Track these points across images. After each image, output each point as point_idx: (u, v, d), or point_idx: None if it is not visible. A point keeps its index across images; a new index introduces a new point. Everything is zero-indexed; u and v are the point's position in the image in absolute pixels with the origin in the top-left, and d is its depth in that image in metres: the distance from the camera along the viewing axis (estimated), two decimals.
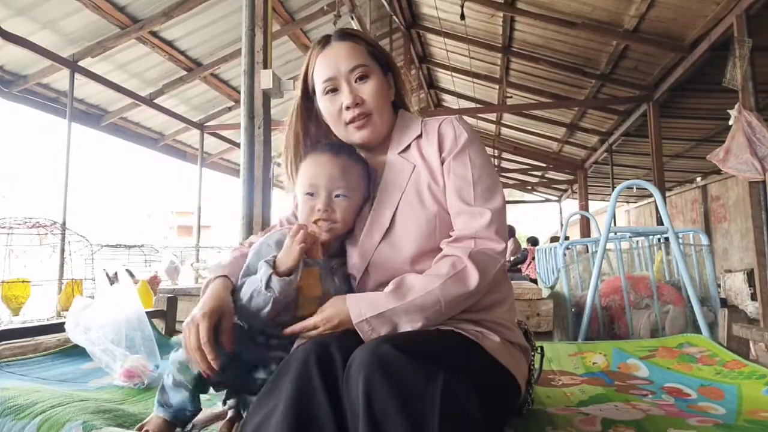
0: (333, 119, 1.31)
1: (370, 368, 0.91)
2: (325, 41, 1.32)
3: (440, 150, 1.25)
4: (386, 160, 1.31)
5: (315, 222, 1.24)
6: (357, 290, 1.24)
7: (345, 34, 1.32)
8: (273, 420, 0.94)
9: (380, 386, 0.89)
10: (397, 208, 1.24)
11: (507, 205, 1.27)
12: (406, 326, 1.10)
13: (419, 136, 1.30)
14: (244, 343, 1.20)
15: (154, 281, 5.68)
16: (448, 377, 0.91)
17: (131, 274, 6.03)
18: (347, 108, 1.26)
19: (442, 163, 1.25)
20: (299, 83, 1.37)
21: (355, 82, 1.27)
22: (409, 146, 1.30)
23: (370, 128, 1.28)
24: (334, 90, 1.28)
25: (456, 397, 0.90)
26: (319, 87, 1.31)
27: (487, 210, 1.18)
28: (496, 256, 1.16)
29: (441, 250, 1.20)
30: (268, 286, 1.14)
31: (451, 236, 1.21)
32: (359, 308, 1.10)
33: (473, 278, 1.12)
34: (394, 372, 0.91)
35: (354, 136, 1.29)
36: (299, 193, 1.28)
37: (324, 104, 1.31)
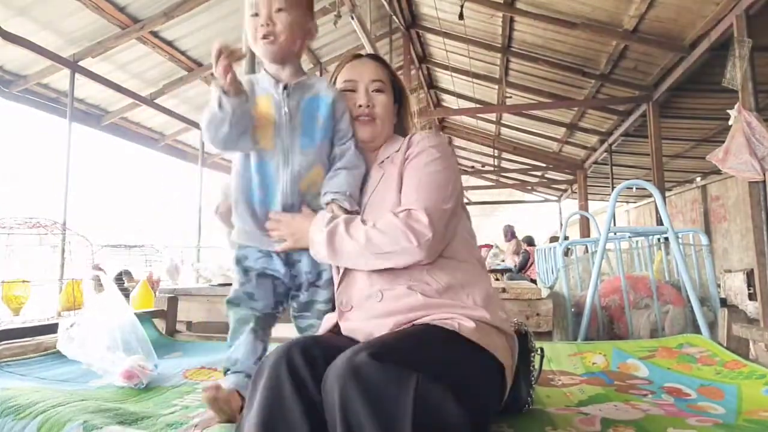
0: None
1: (344, 379, 0.95)
2: (357, 56, 1.55)
3: (405, 156, 1.40)
4: (371, 169, 1.48)
5: (261, 38, 1.36)
6: (343, 281, 1.36)
7: (375, 56, 1.57)
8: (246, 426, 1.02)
9: (354, 396, 0.93)
10: (364, 209, 1.40)
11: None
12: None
13: (397, 150, 1.44)
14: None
15: (150, 281, 5.67)
16: (422, 379, 0.94)
17: (129, 275, 6.01)
18: (359, 106, 1.45)
19: (403, 161, 1.40)
20: None
21: (372, 91, 1.48)
22: (388, 157, 1.45)
23: (371, 127, 1.47)
24: (352, 90, 1.48)
25: (429, 398, 0.93)
26: (339, 85, 1.49)
27: (427, 204, 1.29)
28: (422, 228, 1.24)
29: None
30: (220, 106, 1.30)
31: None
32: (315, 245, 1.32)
33: (408, 235, 1.24)
34: (366, 381, 0.94)
35: (358, 130, 1.47)
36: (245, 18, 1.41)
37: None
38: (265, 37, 1.36)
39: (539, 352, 1.47)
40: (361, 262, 1.28)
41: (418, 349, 1.08)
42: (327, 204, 1.37)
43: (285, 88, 1.39)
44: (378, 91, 1.48)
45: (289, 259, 1.43)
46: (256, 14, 1.37)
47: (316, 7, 6.68)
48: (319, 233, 1.30)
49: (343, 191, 1.36)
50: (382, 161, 1.46)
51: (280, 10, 1.35)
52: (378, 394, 0.93)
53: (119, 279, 5.88)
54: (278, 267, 1.43)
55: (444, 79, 9.96)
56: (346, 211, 1.35)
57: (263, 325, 1.43)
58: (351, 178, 1.39)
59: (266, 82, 1.42)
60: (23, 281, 4.60)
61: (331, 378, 0.97)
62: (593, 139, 9.93)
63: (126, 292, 4.80)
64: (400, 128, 1.58)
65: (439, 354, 1.09)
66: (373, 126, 1.47)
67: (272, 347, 1.22)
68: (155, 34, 6.27)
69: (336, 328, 1.33)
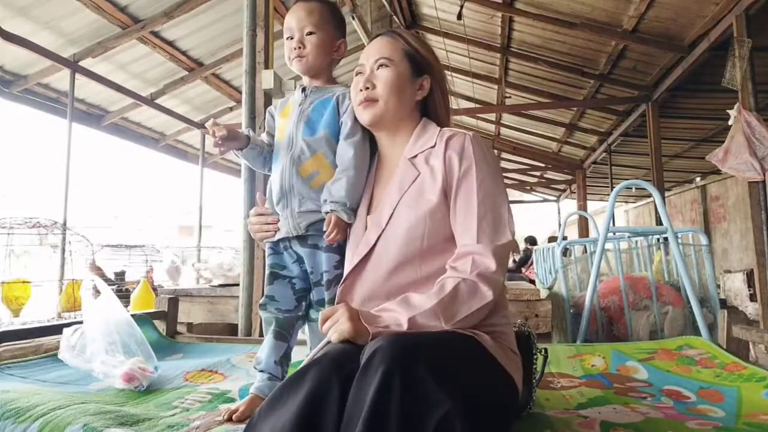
0: (352, 98, 1.44)
1: (390, 366, 0.93)
2: (376, 36, 1.48)
3: (445, 163, 1.31)
4: (399, 161, 1.40)
5: (292, 59, 1.54)
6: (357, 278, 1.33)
7: (390, 31, 1.46)
8: (281, 417, 0.97)
9: (393, 394, 0.91)
10: (394, 209, 1.32)
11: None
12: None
13: (432, 147, 1.36)
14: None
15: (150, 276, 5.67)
16: (451, 410, 0.91)
17: (122, 276, 6.02)
18: (360, 90, 1.39)
19: (445, 173, 1.30)
20: None
21: (376, 69, 1.39)
22: (421, 153, 1.36)
23: (371, 111, 1.38)
24: (361, 74, 1.42)
25: (449, 429, 0.91)
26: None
27: (492, 245, 1.22)
28: (493, 275, 1.20)
29: (426, 254, 1.27)
30: (242, 158, 1.56)
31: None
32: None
33: (485, 294, 1.18)
34: (410, 385, 0.92)
35: (360, 115, 1.41)
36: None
37: (352, 84, 1.45)
38: (296, 57, 1.53)
39: (543, 352, 1.46)
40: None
41: (458, 366, 1.05)
42: (326, 213, 1.39)
43: (303, 90, 1.56)
44: (382, 66, 1.38)
45: (298, 256, 1.50)
46: (291, 37, 1.53)
47: None
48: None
49: (342, 202, 1.38)
50: (415, 156, 1.36)
51: (310, 33, 1.52)
52: (413, 402, 0.92)
53: (120, 278, 5.88)
54: (288, 263, 1.52)
55: None
56: (345, 224, 1.39)
57: (284, 326, 1.50)
58: (350, 185, 1.40)
59: (296, 92, 1.59)
60: (23, 281, 4.61)
61: (378, 360, 0.95)
62: (592, 139, 9.93)
63: (124, 293, 4.81)
64: (433, 109, 1.46)
65: (473, 375, 1.08)
66: (374, 108, 1.37)
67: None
68: (156, 34, 6.27)
69: None
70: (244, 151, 1.52)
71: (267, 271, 1.53)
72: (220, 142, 1.44)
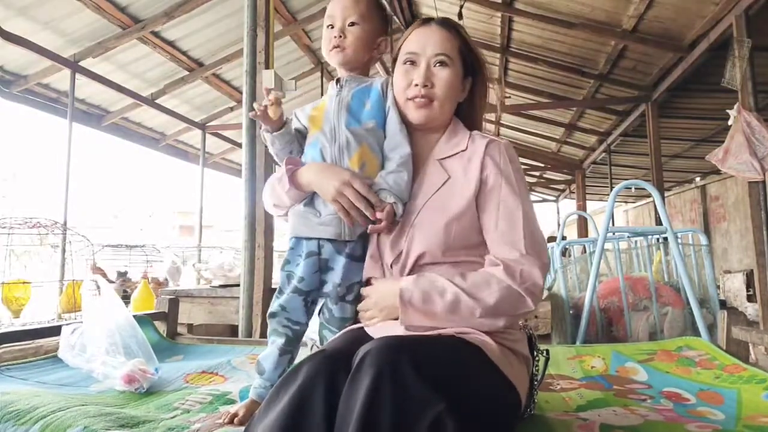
0: (399, 90, 1.36)
1: (380, 378, 0.93)
2: (427, 21, 1.39)
3: (482, 170, 1.28)
4: (428, 162, 1.36)
5: (330, 50, 1.42)
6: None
7: (446, 23, 1.38)
8: (271, 415, 0.99)
9: (384, 397, 0.92)
10: (418, 213, 1.29)
11: None
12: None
13: (464, 150, 1.33)
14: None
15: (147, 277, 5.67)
16: (444, 411, 0.91)
17: (124, 276, 6.02)
18: (416, 85, 1.31)
19: (480, 180, 1.28)
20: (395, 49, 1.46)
21: (434, 66, 1.32)
22: (451, 156, 1.33)
23: (426, 111, 1.32)
24: (412, 63, 1.34)
25: (442, 429, 0.91)
26: (401, 56, 1.37)
27: (539, 262, 1.22)
28: (537, 290, 1.21)
29: (447, 260, 1.26)
30: (272, 144, 1.43)
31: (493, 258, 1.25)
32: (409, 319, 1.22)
33: (527, 304, 1.20)
34: (400, 386, 0.93)
35: (411, 113, 1.34)
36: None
37: (397, 72, 1.37)
38: (334, 47, 1.41)
39: (545, 354, 1.43)
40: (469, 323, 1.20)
41: (452, 369, 1.04)
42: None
43: (338, 81, 1.45)
44: (442, 64, 1.32)
45: (322, 263, 1.37)
46: (331, 26, 1.42)
47: (317, 8, 6.70)
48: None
49: (402, 197, 1.31)
50: (444, 158, 1.33)
51: (353, 23, 1.41)
52: (404, 404, 0.92)
53: (123, 279, 5.88)
54: (308, 274, 1.37)
55: None
56: (394, 220, 1.29)
57: (293, 344, 1.42)
58: (407, 182, 1.33)
59: (329, 88, 1.48)
60: (24, 282, 4.60)
61: (368, 363, 0.95)
62: (592, 139, 9.93)
63: (125, 294, 4.81)
64: (471, 111, 1.43)
65: (469, 379, 1.06)
66: (429, 109, 1.32)
67: None
68: (156, 34, 6.28)
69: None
70: (276, 133, 1.40)
71: (284, 280, 1.41)
72: (266, 113, 1.37)
